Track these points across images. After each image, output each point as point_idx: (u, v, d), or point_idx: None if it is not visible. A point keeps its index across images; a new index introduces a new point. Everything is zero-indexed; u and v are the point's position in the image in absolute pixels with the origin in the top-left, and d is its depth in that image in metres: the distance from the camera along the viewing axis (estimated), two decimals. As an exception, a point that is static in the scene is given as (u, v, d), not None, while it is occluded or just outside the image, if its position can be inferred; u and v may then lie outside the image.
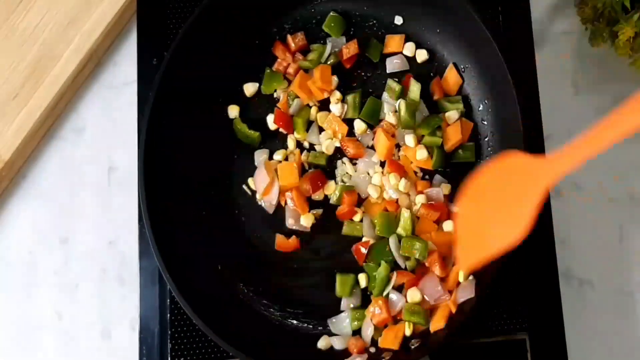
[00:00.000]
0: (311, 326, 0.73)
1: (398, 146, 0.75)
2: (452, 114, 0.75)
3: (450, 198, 0.74)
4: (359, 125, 0.76)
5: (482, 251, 0.60)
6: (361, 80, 0.78)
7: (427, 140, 0.74)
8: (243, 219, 0.76)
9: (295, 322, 0.73)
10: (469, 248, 0.61)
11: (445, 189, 0.74)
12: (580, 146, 0.53)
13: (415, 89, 0.75)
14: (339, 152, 0.76)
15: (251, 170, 0.76)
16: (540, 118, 0.77)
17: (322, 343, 0.71)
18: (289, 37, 0.78)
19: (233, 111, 0.77)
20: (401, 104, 0.74)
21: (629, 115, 0.49)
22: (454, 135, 0.74)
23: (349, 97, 0.76)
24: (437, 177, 0.75)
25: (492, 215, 0.60)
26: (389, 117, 0.75)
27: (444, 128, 0.75)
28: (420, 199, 0.73)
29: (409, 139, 0.74)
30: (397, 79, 0.77)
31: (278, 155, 0.76)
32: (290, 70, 0.77)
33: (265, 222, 0.76)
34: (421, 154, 0.73)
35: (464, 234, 0.61)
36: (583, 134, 0.52)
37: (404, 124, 0.74)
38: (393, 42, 0.78)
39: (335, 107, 0.76)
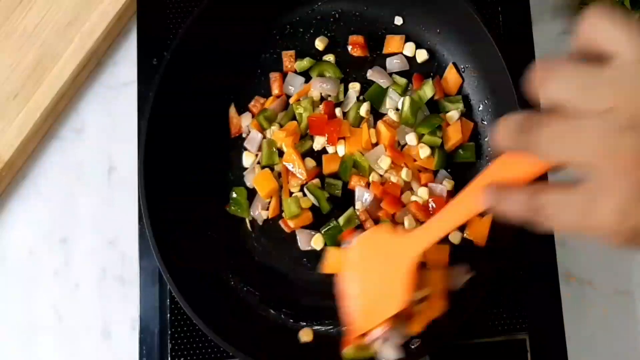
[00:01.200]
0: (311, 326, 0.73)
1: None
2: (453, 114, 0.75)
3: (453, 195, 0.74)
4: (365, 108, 0.75)
5: (368, 319, 0.65)
6: (362, 80, 0.78)
7: (427, 139, 0.74)
8: (244, 219, 0.76)
9: (295, 322, 0.73)
10: (356, 316, 0.66)
11: (449, 184, 0.74)
12: (435, 223, 0.60)
13: (428, 89, 0.75)
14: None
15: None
16: (540, 118, 0.77)
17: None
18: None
19: None
20: (406, 100, 0.74)
21: (470, 200, 0.54)
22: (454, 135, 0.74)
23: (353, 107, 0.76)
24: (442, 171, 0.75)
25: (371, 286, 0.65)
26: (391, 114, 0.75)
27: (444, 128, 0.75)
28: (423, 192, 0.73)
29: (411, 138, 0.74)
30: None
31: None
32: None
33: (265, 222, 0.76)
34: (424, 152, 0.73)
35: (350, 302, 0.66)
36: (439, 211, 0.58)
37: (404, 120, 0.74)
38: (393, 42, 0.78)
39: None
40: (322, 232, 0.74)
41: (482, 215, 0.71)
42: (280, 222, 0.75)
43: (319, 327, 0.73)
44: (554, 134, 0.41)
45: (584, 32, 0.42)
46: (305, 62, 0.77)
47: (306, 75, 0.78)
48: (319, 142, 0.75)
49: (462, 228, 0.72)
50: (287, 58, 0.78)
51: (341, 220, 0.73)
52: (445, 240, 0.71)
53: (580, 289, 0.77)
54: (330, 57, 0.78)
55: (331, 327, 0.72)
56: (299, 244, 0.74)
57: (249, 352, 0.67)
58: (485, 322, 0.73)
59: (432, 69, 0.78)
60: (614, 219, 0.40)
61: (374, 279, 0.65)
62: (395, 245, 0.64)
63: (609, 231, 0.40)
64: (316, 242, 0.74)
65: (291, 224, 0.74)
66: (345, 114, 0.76)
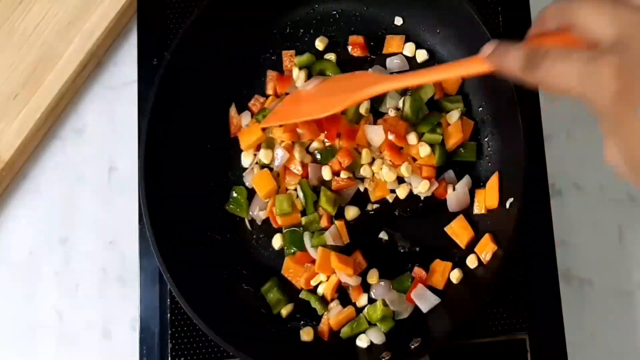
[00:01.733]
0: (312, 327, 0.73)
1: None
2: (453, 114, 0.75)
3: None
4: (364, 106, 0.76)
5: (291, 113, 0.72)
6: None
7: (428, 137, 0.74)
8: (244, 219, 0.76)
9: (295, 322, 0.73)
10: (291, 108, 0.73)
11: (468, 184, 0.74)
12: (420, 72, 0.64)
13: (428, 89, 0.75)
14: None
15: (251, 170, 0.77)
16: (540, 118, 0.77)
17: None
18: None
19: None
20: (406, 99, 0.74)
21: (473, 61, 0.56)
22: (455, 135, 0.74)
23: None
24: (450, 172, 0.75)
25: (317, 97, 0.72)
26: (391, 114, 0.75)
27: (445, 127, 0.75)
28: (424, 186, 0.73)
29: (411, 137, 0.74)
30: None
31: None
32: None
33: (265, 222, 0.76)
34: (424, 150, 0.73)
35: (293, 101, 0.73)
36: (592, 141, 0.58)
37: (405, 119, 0.74)
38: (393, 43, 0.78)
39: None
40: (284, 231, 0.74)
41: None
42: (269, 217, 0.74)
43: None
44: (594, 4, 0.43)
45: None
46: (305, 58, 0.77)
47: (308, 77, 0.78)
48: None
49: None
50: (287, 58, 0.78)
51: (303, 220, 0.73)
52: (462, 264, 0.72)
53: (580, 289, 0.77)
54: (331, 56, 0.78)
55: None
56: (273, 241, 0.74)
57: (249, 351, 0.67)
58: (485, 322, 0.73)
59: (432, 69, 0.78)
60: (611, 79, 0.41)
61: (329, 92, 0.71)
62: (372, 76, 0.71)
63: (601, 91, 0.41)
64: (275, 241, 0.74)
65: (279, 220, 0.74)
66: (344, 111, 0.76)
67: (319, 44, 0.78)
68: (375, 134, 0.74)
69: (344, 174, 0.74)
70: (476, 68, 0.55)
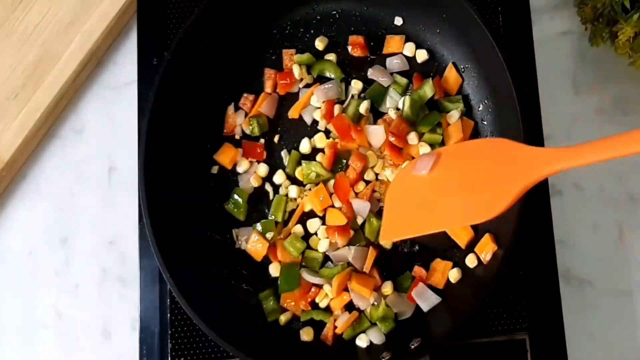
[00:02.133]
0: (312, 326, 0.73)
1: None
2: (453, 114, 0.75)
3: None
4: (364, 106, 0.75)
5: (430, 222, 0.59)
6: (362, 79, 0.78)
7: (428, 137, 0.74)
8: (245, 219, 0.76)
9: (296, 322, 0.73)
10: (412, 215, 0.60)
11: None
12: (586, 149, 0.52)
13: (427, 89, 0.75)
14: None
15: (251, 170, 0.77)
16: (540, 118, 0.77)
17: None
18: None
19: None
20: (406, 99, 0.74)
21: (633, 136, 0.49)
22: (455, 134, 0.74)
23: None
24: None
25: (456, 189, 0.58)
26: (391, 113, 0.75)
27: (445, 127, 0.75)
28: None
29: (411, 136, 0.74)
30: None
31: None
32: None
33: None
34: (424, 150, 0.73)
35: (412, 199, 0.60)
36: (591, 140, 0.52)
37: (405, 119, 0.74)
38: (393, 43, 0.78)
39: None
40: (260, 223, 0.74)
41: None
42: (269, 253, 0.74)
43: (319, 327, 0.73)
44: None
45: None
46: (305, 57, 0.77)
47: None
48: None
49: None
50: (287, 56, 0.78)
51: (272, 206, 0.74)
52: (462, 264, 0.72)
53: (580, 289, 0.77)
54: (331, 56, 0.78)
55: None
56: (270, 269, 0.74)
57: (249, 351, 0.67)
58: (485, 322, 0.73)
59: (432, 69, 0.78)
60: None
61: (476, 180, 0.57)
62: (524, 155, 0.55)
63: None
64: (272, 269, 0.74)
65: (280, 256, 0.74)
66: (344, 111, 0.76)
67: (319, 43, 0.78)
68: (376, 134, 0.74)
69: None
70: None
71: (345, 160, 0.74)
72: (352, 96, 0.77)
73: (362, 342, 0.71)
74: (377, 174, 0.75)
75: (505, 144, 0.58)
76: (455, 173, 0.60)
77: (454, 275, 0.72)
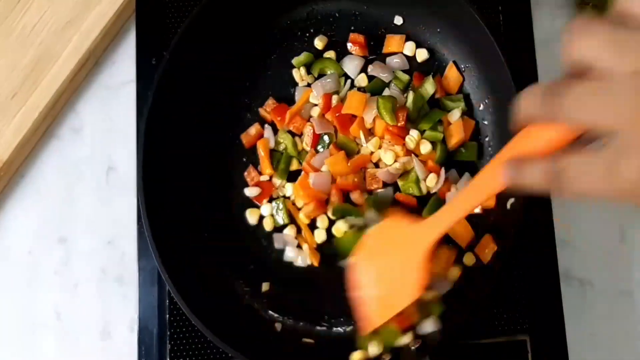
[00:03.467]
0: (311, 327, 0.73)
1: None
2: (454, 113, 0.74)
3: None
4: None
5: (380, 311, 0.64)
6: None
7: (429, 135, 0.74)
8: (243, 219, 0.76)
9: (294, 322, 0.73)
10: (369, 309, 0.64)
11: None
12: (449, 210, 0.58)
13: (429, 86, 0.75)
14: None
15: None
16: (541, 118, 0.77)
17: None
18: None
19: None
20: (409, 95, 0.74)
21: (489, 179, 0.52)
22: (456, 134, 0.74)
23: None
24: (453, 172, 0.74)
25: (384, 277, 0.64)
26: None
27: (446, 126, 0.75)
28: (433, 180, 0.73)
29: (412, 133, 0.74)
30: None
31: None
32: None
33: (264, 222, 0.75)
34: (425, 147, 0.73)
35: (362, 296, 0.65)
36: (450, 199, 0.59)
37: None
38: (393, 42, 0.78)
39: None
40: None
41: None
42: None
43: (319, 328, 0.73)
44: (580, 96, 0.40)
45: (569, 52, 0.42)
46: (303, 57, 0.77)
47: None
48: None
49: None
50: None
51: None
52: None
53: (581, 290, 0.76)
54: (330, 54, 0.78)
55: (332, 327, 0.73)
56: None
57: (248, 353, 0.67)
58: (485, 322, 0.73)
59: (433, 68, 0.77)
60: (638, 181, 0.38)
61: (388, 269, 0.63)
62: (409, 234, 0.61)
63: (632, 193, 0.39)
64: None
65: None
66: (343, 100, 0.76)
67: (318, 43, 0.78)
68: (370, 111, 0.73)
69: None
70: (494, 188, 0.52)
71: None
72: (353, 87, 0.77)
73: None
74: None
75: (393, 224, 0.65)
76: (379, 262, 0.65)
77: (453, 273, 0.71)
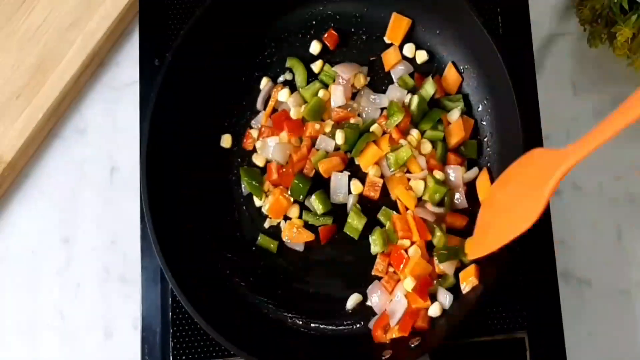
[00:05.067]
0: (313, 325, 0.73)
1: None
2: (454, 112, 0.75)
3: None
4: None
5: (494, 239, 0.66)
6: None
7: (430, 134, 0.75)
8: (245, 219, 0.77)
9: (297, 321, 0.73)
10: (483, 237, 0.67)
11: (475, 174, 0.74)
12: (593, 135, 0.57)
13: (429, 87, 0.76)
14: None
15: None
16: (539, 118, 0.78)
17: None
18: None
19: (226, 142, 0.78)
20: (414, 98, 0.75)
21: (634, 105, 0.52)
22: (456, 133, 0.74)
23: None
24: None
25: (509, 206, 0.66)
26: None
27: (446, 126, 0.75)
28: (439, 176, 0.73)
29: (413, 133, 0.74)
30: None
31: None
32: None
33: (266, 222, 0.76)
34: (426, 147, 0.74)
35: (485, 222, 0.67)
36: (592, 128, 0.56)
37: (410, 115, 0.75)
38: (390, 56, 0.78)
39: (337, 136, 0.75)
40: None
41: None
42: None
43: (321, 326, 0.73)
44: None
45: None
46: (285, 93, 0.77)
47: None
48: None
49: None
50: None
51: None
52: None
53: (579, 288, 0.77)
54: (318, 64, 0.78)
55: (331, 325, 0.73)
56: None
57: (251, 350, 0.67)
58: (484, 321, 0.73)
59: (432, 70, 0.78)
60: None
61: (518, 196, 0.65)
62: (548, 159, 0.61)
63: None
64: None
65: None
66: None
67: (314, 48, 0.78)
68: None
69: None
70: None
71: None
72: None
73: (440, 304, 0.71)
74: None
75: (535, 153, 0.65)
76: (510, 191, 0.67)
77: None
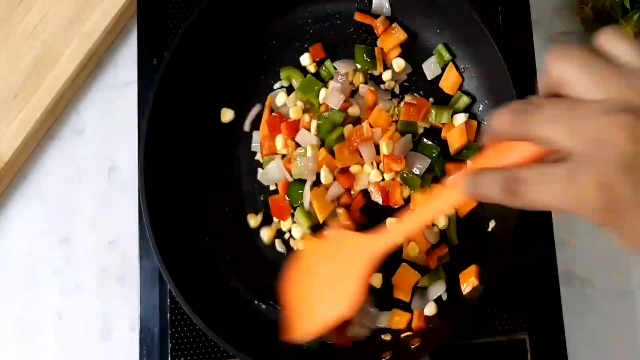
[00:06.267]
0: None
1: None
2: (459, 117, 0.74)
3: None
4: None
5: (312, 323, 0.63)
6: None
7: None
8: (244, 218, 0.76)
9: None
10: (300, 320, 0.64)
11: None
12: (401, 223, 0.59)
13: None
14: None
15: (251, 169, 0.77)
16: (540, 118, 0.77)
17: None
18: None
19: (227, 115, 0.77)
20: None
21: (446, 191, 0.53)
22: (459, 139, 0.73)
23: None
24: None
25: (320, 289, 0.63)
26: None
27: (445, 132, 0.75)
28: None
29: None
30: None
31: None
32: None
33: (266, 222, 0.76)
34: (440, 221, 0.73)
35: (295, 306, 0.64)
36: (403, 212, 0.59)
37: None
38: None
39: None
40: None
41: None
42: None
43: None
44: (549, 115, 0.42)
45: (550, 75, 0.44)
46: (282, 96, 0.76)
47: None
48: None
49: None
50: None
51: None
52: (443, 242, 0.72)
53: (581, 289, 0.77)
54: (311, 68, 0.78)
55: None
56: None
57: (249, 351, 0.67)
58: (485, 322, 0.73)
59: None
60: (594, 194, 0.40)
61: (327, 279, 0.63)
62: (358, 244, 0.61)
63: (588, 206, 0.41)
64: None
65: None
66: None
67: (305, 59, 0.78)
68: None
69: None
70: (452, 199, 0.53)
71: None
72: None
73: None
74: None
75: (344, 236, 0.65)
76: (322, 267, 0.64)
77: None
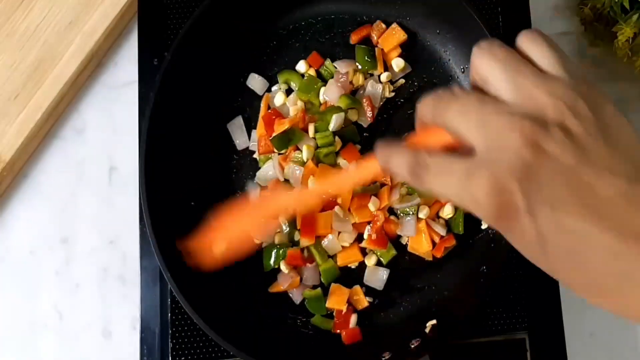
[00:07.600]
0: (313, 325, 0.73)
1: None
2: None
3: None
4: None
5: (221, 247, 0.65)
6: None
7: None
8: (244, 218, 0.76)
9: (297, 321, 0.73)
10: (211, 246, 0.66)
11: None
12: (327, 183, 0.64)
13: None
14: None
15: (251, 169, 0.77)
16: (540, 118, 0.77)
17: None
18: None
19: None
20: None
21: (371, 160, 0.53)
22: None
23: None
24: None
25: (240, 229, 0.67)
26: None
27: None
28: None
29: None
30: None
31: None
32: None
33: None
34: (446, 211, 0.73)
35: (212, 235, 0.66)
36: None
37: None
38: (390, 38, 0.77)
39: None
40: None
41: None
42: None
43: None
44: (461, 106, 0.43)
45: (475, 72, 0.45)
46: (280, 96, 0.76)
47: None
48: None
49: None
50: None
51: None
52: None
53: (580, 289, 0.77)
54: (311, 72, 0.78)
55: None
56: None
57: (250, 351, 0.67)
58: (484, 321, 0.73)
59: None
60: (486, 200, 0.40)
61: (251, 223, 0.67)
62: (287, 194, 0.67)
63: (479, 210, 0.41)
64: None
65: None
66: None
67: (302, 66, 0.78)
68: None
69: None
70: (374, 169, 0.53)
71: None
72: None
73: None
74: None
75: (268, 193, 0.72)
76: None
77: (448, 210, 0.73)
